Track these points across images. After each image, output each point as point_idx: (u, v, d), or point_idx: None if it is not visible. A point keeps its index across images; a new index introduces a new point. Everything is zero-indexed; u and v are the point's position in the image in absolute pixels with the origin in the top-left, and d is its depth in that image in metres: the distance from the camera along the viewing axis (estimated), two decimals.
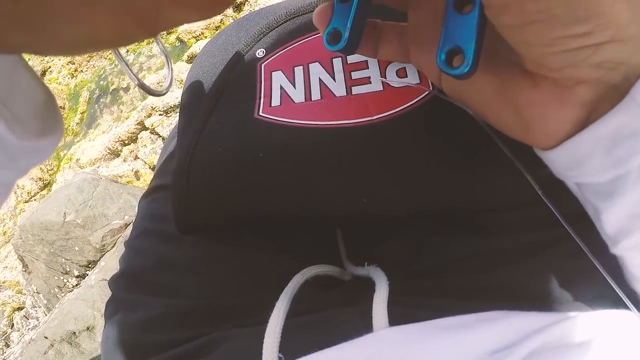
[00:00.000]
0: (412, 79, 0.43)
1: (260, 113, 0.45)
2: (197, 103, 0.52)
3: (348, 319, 0.39)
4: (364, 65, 0.46)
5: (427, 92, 0.42)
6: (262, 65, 0.49)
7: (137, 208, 0.67)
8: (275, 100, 0.46)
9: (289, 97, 0.46)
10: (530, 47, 0.24)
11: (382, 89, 0.43)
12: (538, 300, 0.39)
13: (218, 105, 0.48)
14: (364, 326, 0.35)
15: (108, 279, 1.18)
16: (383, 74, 0.44)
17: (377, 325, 0.35)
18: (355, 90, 0.44)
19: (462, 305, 0.36)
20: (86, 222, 1.39)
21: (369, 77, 0.45)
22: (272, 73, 0.48)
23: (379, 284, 0.39)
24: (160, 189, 0.57)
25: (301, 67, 0.48)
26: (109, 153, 1.84)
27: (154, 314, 0.45)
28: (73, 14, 0.18)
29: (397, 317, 0.35)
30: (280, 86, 0.47)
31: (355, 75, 0.45)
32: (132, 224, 1.34)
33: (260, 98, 0.46)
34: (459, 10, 0.26)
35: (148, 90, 0.48)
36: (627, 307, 0.34)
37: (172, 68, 0.52)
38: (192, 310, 0.44)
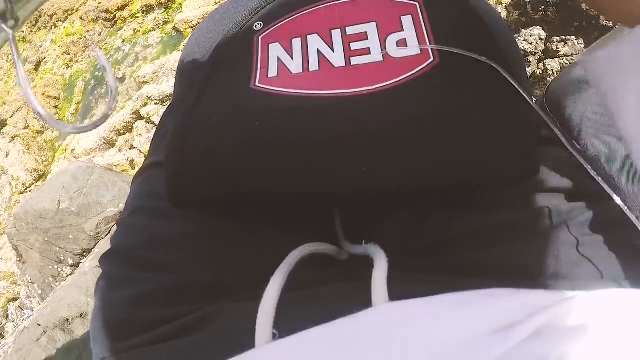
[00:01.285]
0: (413, 49, 0.43)
1: (257, 84, 0.45)
2: (192, 75, 0.51)
3: (346, 293, 0.39)
4: (363, 37, 0.45)
5: (428, 62, 0.42)
6: (260, 38, 0.49)
7: (130, 187, 0.66)
8: (272, 71, 0.46)
9: (287, 67, 0.46)
10: None
11: (381, 59, 0.43)
12: (539, 276, 0.38)
13: (214, 77, 0.48)
14: (363, 301, 0.34)
15: None
16: (383, 45, 0.44)
17: (376, 301, 0.34)
18: (355, 60, 0.44)
19: (462, 281, 0.36)
20: (80, 210, 1.38)
21: (369, 48, 0.44)
22: (270, 45, 0.48)
23: (378, 260, 0.38)
24: (153, 166, 0.56)
25: (299, 38, 0.47)
26: (104, 143, 1.84)
27: (146, 290, 0.44)
28: None
29: (397, 292, 0.34)
30: (278, 57, 0.46)
31: (355, 46, 0.45)
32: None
33: (256, 69, 0.46)
34: None
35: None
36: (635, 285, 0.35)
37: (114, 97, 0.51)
38: (185, 287, 0.44)
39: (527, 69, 1.14)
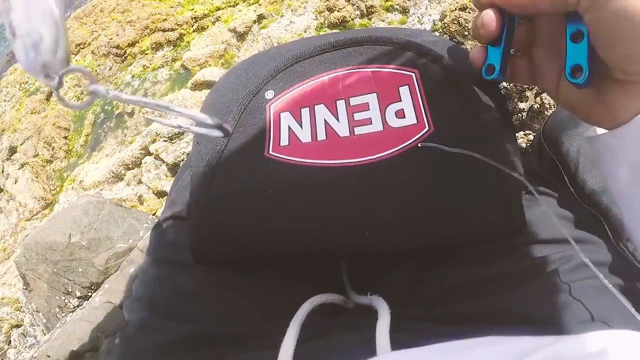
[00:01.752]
0: (410, 119, 0.47)
1: (270, 152, 0.48)
2: (211, 138, 0.53)
3: (353, 344, 0.42)
4: (365, 107, 0.48)
5: (424, 131, 0.45)
6: (271, 107, 0.52)
7: (149, 235, 0.71)
8: (284, 140, 0.48)
9: (297, 137, 0.48)
10: (617, 61, 0.38)
11: (382, 129, 0.47)
12: (534, 323, 0.41)
13: (230, 142, 0.50)
14: (368, 351, 0.38)
15: (112, 301, 1.22)
16: (383, 115, 0.47)
17: (380, 350, 0.38)
18: (358, 130, 0.47)
19: (460, 330, 0.39)
20: (91, 245, 1.44)
21: (370, 118, 0.48)
22: (281, 114, 0.51)
23: (381, 311, 0.42)
24: (174, 218, 0.60)
25: (307, 108, 0.50)
26: (112, 176, 1.88)
27: (171, 339, 0.48)
28: None
29: (399, 342, 0.38)
30: (289, 127, 0.49)
31: (358, 116, 0.48)
32: (135, 248, 1.39)
33: (270, 138, 0.49)
34: (575, 41, 0.40)
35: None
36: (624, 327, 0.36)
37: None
38: (206, 335, 0.47)
39: (525, 104, 1.19)
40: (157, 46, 2.43)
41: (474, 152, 0.43)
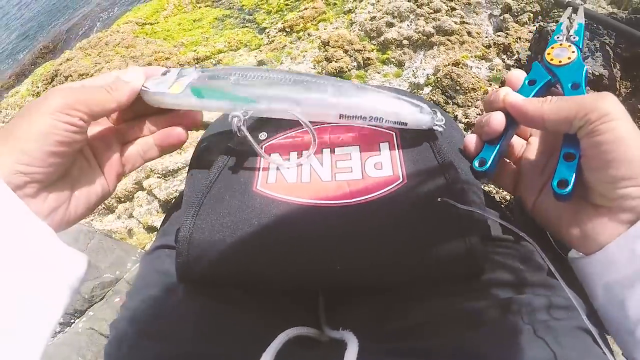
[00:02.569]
0: (387, 171, 0.52)
1: (258, 187, 0.53)
2: (204, 170, 0.58)
3: None
4: (348, 157, 0.54)
5: (397, 182, 0.50)
6: (264, 147, 0.57)
7: (139, 263, 0.73)
8: (271, 178, 0.53)
9: (283, 176, 0.53)
10: (602, 184, 0.42)
11: (361, 177, 0.52)
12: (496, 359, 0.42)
13: (222, 175, 0.54)
14: None
15: (95, 328, 1.26)
16: (363, 165, 0.53)
17: None
18: (339, 177, 0.52)
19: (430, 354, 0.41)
20: None
21: (351, 167, 0.53)
22: (272, 154, 0.56)
23: (350, 344, 0.44)
24: (164, 247, 0.62)
25: (296, 152, 0.56)
26: (104, 208, 1.93)
27: (148, 356, 0.49)
28: None
29: None
30: (277, 168, 0.54)
31: (340, 164, 0.53)
32: (122, 279, 1.44)
33: (258, 175, 0.54)
34: (566, 160, 0.45)
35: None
36: None
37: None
38: (186, 356, 0.48)
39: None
40: None
41: (446, 206, 0.48)
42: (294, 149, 0.57)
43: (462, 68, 1.76)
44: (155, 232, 1.43)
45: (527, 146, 0.54)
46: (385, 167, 0.52)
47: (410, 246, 0.48)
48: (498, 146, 0.51)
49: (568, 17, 0.59)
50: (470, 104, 1.63)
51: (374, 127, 0.56)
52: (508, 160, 0.56)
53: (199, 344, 0.48)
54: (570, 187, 0.44)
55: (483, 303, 0.47)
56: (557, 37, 0.56)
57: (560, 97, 0.47)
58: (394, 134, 0.56)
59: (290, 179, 0.53)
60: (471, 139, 0.54)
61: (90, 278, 1.46)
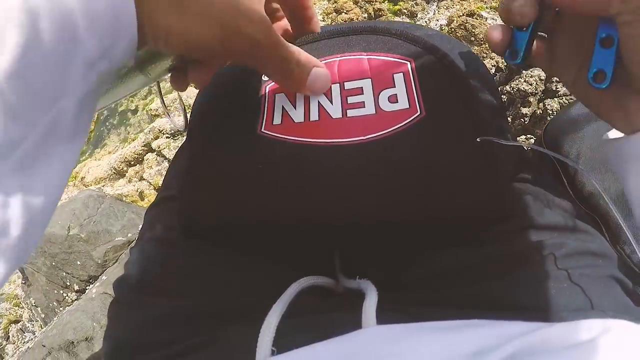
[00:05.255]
0: (403, 103, 0.47)
1: (263, 129, 0.49)
2: (208, 116, 0.55)
3: (339, 320, 0.42)
4: (359, 92, 0.49)
5: (415, 115, 0.46)
6: (267, 87, 0.52)
7: (144, 218, 0.71)
8: (277, 119, 0.49)
9: (290, 116, 0.49)
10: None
11: (374, 112, 0.47)
12: (522, 310, 0.41)
13: (225, 119, 0.51)
14: (354, 328, 0.37)
15: (109, 292, 1.21)
16: (377, 99, 0.48)
17: (365, 325, 0.38)
18: (351, 113, 0.48)
19: (447, 313, 0.39)
20: (90, 237, 1.43)
21: (363, 102, 0.48)
22: (276, 95, 0.51)
23: (369, 292, 0.42)
24: (167, 199, 0.60)
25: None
26: (114, 173, 1.89)
27: (158, 314, 0.48)
28: None
29: (385, 319, 0.38)
30: (282, 107, 0.50)
31: (351, 99, 0.49)
32: (134, 242, 1.38)
33: (263, 116, 0.50)
34: (603, 45, 0.39)
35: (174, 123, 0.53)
36: (612, 316, 0.37)
37: (185, 113, 0.59)
38: (195, 311, 0.47)
39: (528, 109, 1.19)
40: None
41: (471, 138, 0.45)
42: None
43: (477, 19, 1.67)
44: None
45: (563, 22, 0.47)
46: (401, 100, 0.48)
47: (435, 181, 0.45)
48: (529, 33, 0.44)
49: None
50: (485, 55, 1.55)
51: (386, 58, 0.51)
52: (545, 36, 0.49)
53: (210, 300, 0.48)
54: (608, 80, 0.40)
55: (514, 248, 0.46)
56: None
57: None
58: (408, 63, 0.50)
59: (298, 118, 0.49)
60: (497, 30, 0.46)
61: (103, 242, 1.41)
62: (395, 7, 2.00)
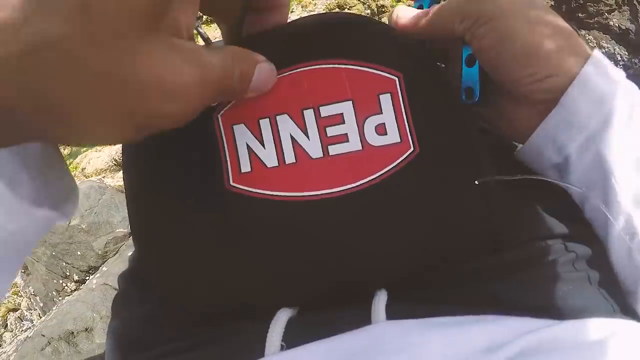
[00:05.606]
0: (393, 136, 0.39)
1: (232, 183, 0.39)
2: (150, 171, 0.42)
3: (348, 315, 0.41)
4: (339, 120, 0.39)
5: (409, 152, 0.39)
6: (220, 117, 0.40)
7: None
8: (245, 166, 0.39)
9: (260, 160, 0.39)
10: (505, 83, 0.41)
11: (360, 148, 0.39)
12: (533, 309, 0.40)
13: (175, 173, 0.40)
14: (363, 322, 0.37)
15: (109, 283, 1.21)
16: (361, 130, 0.39)
17: (375, 320, 0.38)
18: (332, 150, 0.39)
19: (458, 309, 0.38)
20: (90, 228, 1.43)
21: (347, 134, 0.39)
22: (234, 127, 0.40)
23: (378, 290, 0.41)
24: None
25: (267, 119, 0.39)
26: (115, 164, 1.88)
27: (164, 308, 0.47)
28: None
29: (394, 315, 0.37)
30: (247, 145, 0.39)
31: (331, 131, 0.39)
32: None
33: (226, 163, 0.39)
34: (468, 65, 0.42)
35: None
36: (620, 317, 0.37)
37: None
38: (202, 306, 0.45)
39: None
40: None
41: (464, 173, 0.41)
42: (263, 114, 0.39)
43: None
44: None
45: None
46: (390, 131, 0.39)
47: (433, 232, 0.41)
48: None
49: None
50: None
51: (369, 70, 0.41)
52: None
53: (213, 292, 0.43)
54: (476, 95, 0.42)
55: (519, 253, 0.45)
56: None
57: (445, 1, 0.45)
58: (396, 78, 0.40)
59: (270, 162, 0.39)
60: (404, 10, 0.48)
61: (103, 233, 1.41)
62: (398, 3, 1.99)
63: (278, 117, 0.38)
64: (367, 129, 0.39)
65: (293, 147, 0.39)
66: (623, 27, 1.23)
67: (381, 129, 0.39)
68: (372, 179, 0.39)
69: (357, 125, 0.39)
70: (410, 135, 0.39)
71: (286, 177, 0.39)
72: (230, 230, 0.39)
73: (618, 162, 0.41)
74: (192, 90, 0.26)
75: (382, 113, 0.39)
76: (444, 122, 0.41)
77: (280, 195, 0.39)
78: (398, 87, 0.40)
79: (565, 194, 0.48)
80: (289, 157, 0.39)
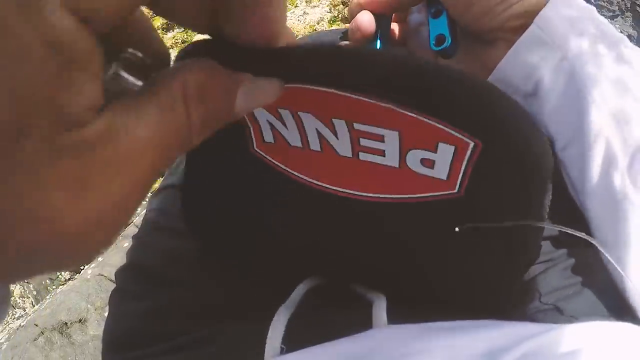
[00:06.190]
0: (439, 172, 0.34)
1: (255, 147, 0.38)
2: None
3: (349, 319, 0.41)
4: (378, 138, 0.33)
5: (449, 192, 0.35)
6: None
7: (146, 204, 0.70)
8: (268, 136, 0.36)
9: (283, 137, 0.36)
10: (475, 24, 0.44)
11: (397, 165, 0.34)
12: (532, 314, 0.41)
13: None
14: (364, 326, 0.37)
15: (105, 274, 1.21)
16: (403, 154, 0.34)
17: (376, 325, 0.38)
18: (364, 157, 0.35)
19: (458, 314, 0.37)
20: None
21: (384, 150, 0.34)
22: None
23: (377, 300, 0.41)
24: (170, 187, 0.59)
25: (287, 110, 0.33)
26: None
27: (161, 304, 0.47)
28: None
29: (395, 319, 0.37)
30: (268, 121, 0.35)
31: (365, 142, 0.34)
32: (132, 224, 1.37)
33: (249, 129, 0.37)
34: (434, 17, 0.45)
35: None
36: (617, 320, 0.36)
37: None
38: (198, 304, 0.47)
39: None
40: (168, 27, 2.42)
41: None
42: (284, 105, 0.33)
43: None
44: None
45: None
46: (438, 168, 0.33)
47: (457, 275, 0.41)
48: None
49: None
50: None
51: (440, 126, 0.31)
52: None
53: (213, 292, 0.47)
54: (448, 39, 0.44)
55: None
56: None
57: None
58: (472, 143, 0.31)
59: (294, 142, 0.35)
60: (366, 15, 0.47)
61: None
62: None
63: (301, 113, 0.33)
64: (410, 157, 0.33)
65: (319, 138, 0.34)
66: (626, 33, 1.23)
67: (428, 163, 0.33)
68: (405, 197, 0.36)
69: (399, 149, 0.33)
70: (460, 182, 0.34)
71: (310, 162, 0.36)
72: (245, 187, 0.41)
73: (595, 81, 0.40)
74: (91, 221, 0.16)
75: (436, 152, 0.32)
76: (507, 193, 0.35)
77: (301, 178, 0.37)
78: (469, 150, 0.32)
79: (563, 195, 0.47)
80: (314, 145, 0.35)
